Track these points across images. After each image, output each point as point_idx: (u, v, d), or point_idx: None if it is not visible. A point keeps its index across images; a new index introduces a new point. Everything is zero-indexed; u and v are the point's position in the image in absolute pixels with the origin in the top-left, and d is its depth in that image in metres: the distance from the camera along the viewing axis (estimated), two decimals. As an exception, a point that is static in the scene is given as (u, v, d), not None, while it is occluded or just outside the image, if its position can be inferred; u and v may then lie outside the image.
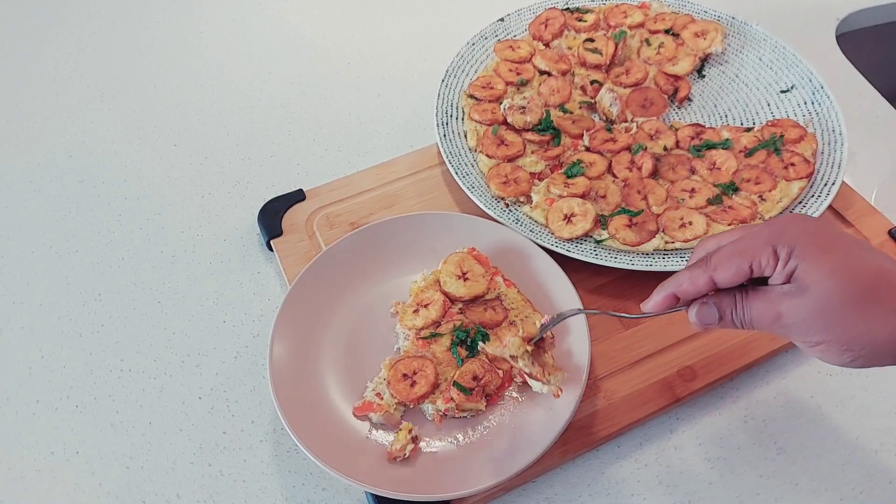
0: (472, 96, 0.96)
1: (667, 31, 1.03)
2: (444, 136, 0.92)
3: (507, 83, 0.98)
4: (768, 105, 0.96)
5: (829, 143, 0.89)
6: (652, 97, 0.97)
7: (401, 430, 0.69)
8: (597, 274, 0.81)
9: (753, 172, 0.86)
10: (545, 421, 0.68)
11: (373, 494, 0.66)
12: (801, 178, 0.85)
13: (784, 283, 0.52)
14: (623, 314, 0.61)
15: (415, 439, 0.68)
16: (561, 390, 0.67)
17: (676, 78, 0.99)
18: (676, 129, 0.93)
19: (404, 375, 0.70)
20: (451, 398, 0.69)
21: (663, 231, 0.82)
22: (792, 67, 0.97)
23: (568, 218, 0.82)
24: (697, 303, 0.56)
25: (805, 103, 0.94)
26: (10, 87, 1.12)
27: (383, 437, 0.69)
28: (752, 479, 0.69)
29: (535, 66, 1.00)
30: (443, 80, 0.98)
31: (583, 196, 0.84)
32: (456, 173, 0.87)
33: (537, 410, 0.70)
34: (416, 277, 0.79)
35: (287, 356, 0.72)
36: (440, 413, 0.70)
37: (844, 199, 0.88)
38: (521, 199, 0.86)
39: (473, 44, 1.03)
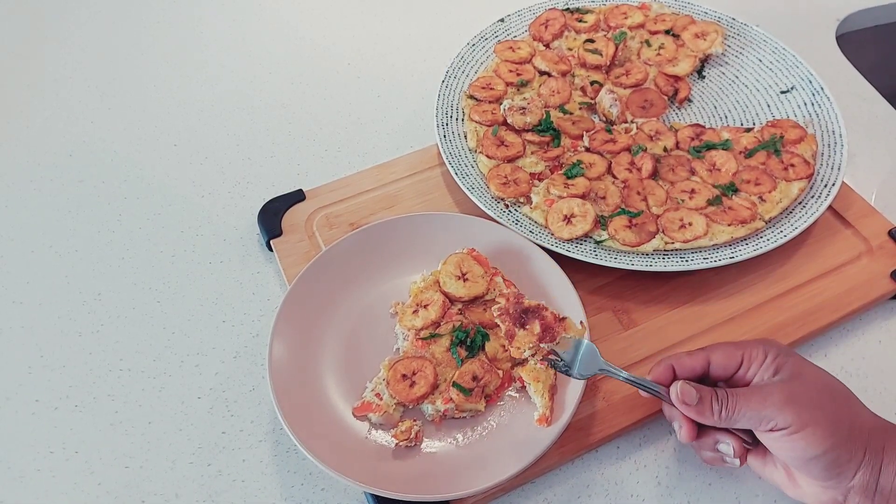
0: (472, 97, 0.96)
1: (667, 32, 1.04)
2: (444, 136, 0.92)
3: (507, 84, 0.98)
4: (768, 106, 0.96)
5: (829, 144, 0.89)
6: (652, 98, 0.97)
7: (403, 421, 0.69)
8: (596, 274, 0.81)
9: (753, 173, 0.86)
10: (544, 421, 0.68)
11: (372, 494, 0.66)
12: (800, 179, 0.85)
13: (772, 376, 0.60)
14: (638, 382, 0.65)
15: (418, 434, 0.69)
16: (549, 420, 0.68)
17: (676, 79, 0.99)
18: (676, 130, 0.93)
19: (403, 376, 0.70)
20: (451, 399, 0.69)
21: (663, 232, 0.82)
22: (792, 68, 0.97)
23: (568, 219, 0.82)
24: (682, 381, 0.62)
25: (805, 104, 0.94)
26: (10, 87, 1.12)
27: (383, 437, 0.69)
28: (751, 481, 0.69)
29: (535, 67, 1.00)
30: (443, 81, 0.98)
31: (582, 197, 0.84)
32: (456, 174, 0.87)
33: (537, 410, 0.70)
34: (415, 278, 0.79)
35: (286, 356, 0.72)
36: (440, 413, 0.70)
37: (844, 200, 0.88)
38: (521, 199, 0.86)
39: (473, 44, 1.03)
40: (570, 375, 0.66)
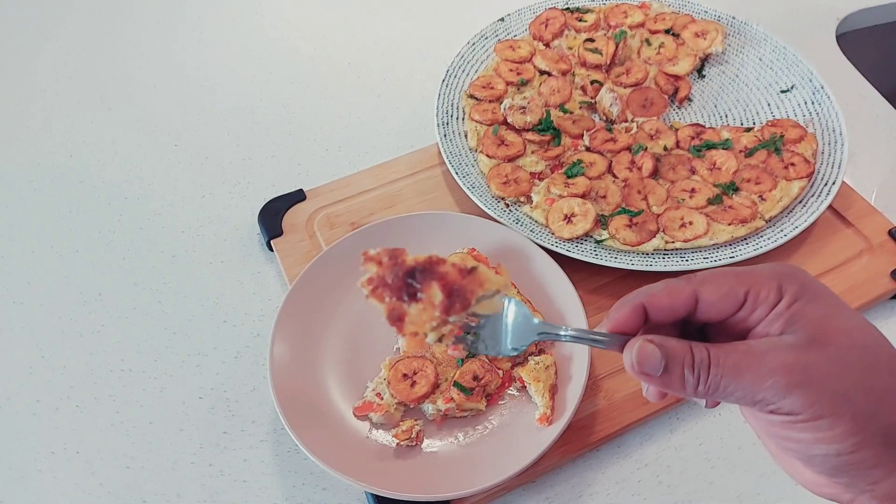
0: (472, 96, 0.96)
1: (667, 31, 1.03)
2: (445, 136, 0.92)
3: (508, 83, 0.98)
4: (768, 105, 0.96)
5: (829, 143, 0.89)
6: (652, 97, 0.97)
7: (404, 421, 0.69)
8: (597, 274, 0.81)
9: (754, 172, 0.86)
10: (545, 421, 0.68)
11: (373, 494, 0.66)
12: (801, 178, 0.85)
13: (780, 334, 0.41)
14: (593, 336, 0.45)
15: (418, 434, 0.69)
16: (549, 419, 0.67)
17: (677, 78, 0.99)
18: (677, 129, 0.93)
19: (404, 375, 0.71)
20: (452, 398, 0.69)
21: (663, 231, 0.82)
22: (792, 67, 0.97)
23: (568, 218, 0.82)
24: (640, 338, 0.42)
25: (805, 103, 0.94)
26: (10, 87, 1.12)
27: (383, 437, 0.69)
28: (752, 479, 0.69)
29: (535, 66, 1.00)
30: (443, 80, 0.98)
31: (583, 196, 0.84)
32: (456, 173, 0.87)
33: (538, 410, 0.70)
34: (416, 277, 0.79)
35: (288, 356, 0.72)
36: (440, 413, 0.70)
37: (844, 199, 0.88)
38: (522, 199, 0.86)
39: (474, 44, 1.03)
40: (498, 354, 0.47)
